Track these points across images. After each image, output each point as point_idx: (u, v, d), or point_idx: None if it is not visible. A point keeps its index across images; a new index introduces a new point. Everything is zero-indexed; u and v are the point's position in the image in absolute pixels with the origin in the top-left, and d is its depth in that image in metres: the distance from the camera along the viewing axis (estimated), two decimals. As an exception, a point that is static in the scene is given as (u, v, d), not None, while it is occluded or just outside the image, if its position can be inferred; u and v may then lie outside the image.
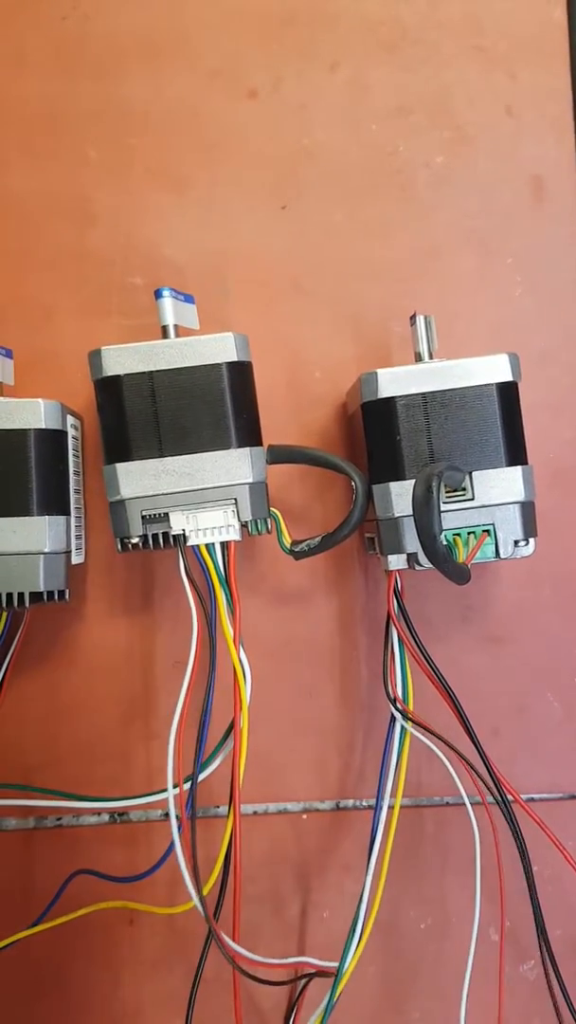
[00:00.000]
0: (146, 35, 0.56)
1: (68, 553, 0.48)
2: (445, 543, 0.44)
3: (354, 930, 0.46)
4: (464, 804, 0.47)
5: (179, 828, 0.44)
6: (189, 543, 0.46)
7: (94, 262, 0.55)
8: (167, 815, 0.45)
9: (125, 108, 0.56)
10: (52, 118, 0.56)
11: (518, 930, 0.50)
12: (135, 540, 0.46)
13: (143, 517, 0.46)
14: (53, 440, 0.47)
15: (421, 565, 0.46)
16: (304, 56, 0.56)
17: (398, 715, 0.48)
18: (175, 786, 0.45)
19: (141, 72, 0.56)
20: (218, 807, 0.53)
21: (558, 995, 0.49)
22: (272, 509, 0.48)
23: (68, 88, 0.56)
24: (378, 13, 0.57)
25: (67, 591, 0.47)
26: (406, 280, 0.56)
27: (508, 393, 0.47)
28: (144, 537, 0.46)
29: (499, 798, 0.48)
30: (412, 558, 0.47)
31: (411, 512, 0.40)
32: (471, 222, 0.56)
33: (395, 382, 0.47)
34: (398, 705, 0.47)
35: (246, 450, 0.46)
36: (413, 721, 0.47)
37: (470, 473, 0.46)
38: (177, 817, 0.44)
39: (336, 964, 0.46)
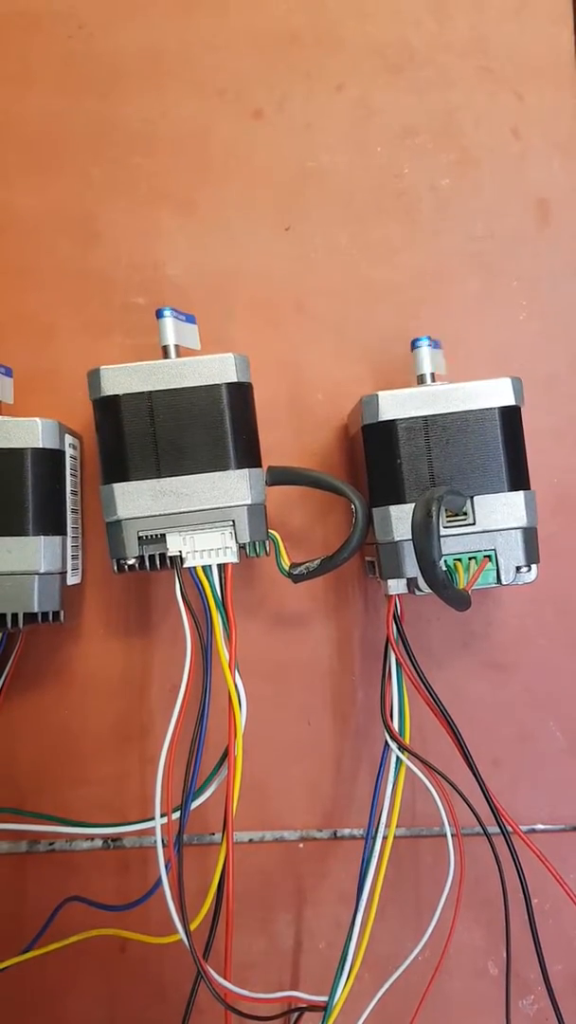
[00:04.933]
0: (151, 54, 0.56)
1: (64, 574, 0.47)
2: (445, 568, 0.43)
3: (343, 964, 0.45)
4: (458, 835, 0.46)
5: (167, 866, 0.44)
6: (186, 565, 0.45)
7: (96, 281, 0.55)
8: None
9: (129, 127, 0.56)
10: (56, 136, 0.56)
11: (517, 964, 0.49)
12: (131, 561, 0.45)
13: (140, 538, 0.45)
14: (50, 460, 0.47)
15: (421, 590, 0.46)
16: (310, 77, 0.56)
17: (392, 744, 0.47)
18: (163, 816, 0.44)
19: (146, 91, 0.56)
20: (213, 834, 0.52)
21: None
22: (271, 531, 0.47)
23: (72, 106, 0.56)
24: (385, 34, 0.57)
25: (62, 612, 0.47)
26: (410, 302, 0.55)
27: (510, 417, 0.46)
28: (141, 558, 0.45)
29: (499, 829, 0.47)
30: (412, 583, 0.46)
31: (411, 536, 0.39)
32: (476, 245, 0.56)
33: (396, 405, 0.46)
34: (392, 734, 0.47)
35: (245, 471, 0.45)
36: (407, 751, 0.46)
37: (471, 497, 0.45)
38: (165, 846, 0.44)
39: (326, 998, 0.45)
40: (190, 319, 0.49)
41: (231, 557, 0.46)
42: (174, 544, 0.45)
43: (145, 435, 0.45)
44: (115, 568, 0.46)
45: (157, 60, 0.56)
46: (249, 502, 0.45)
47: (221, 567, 0.46)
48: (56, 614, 0.46)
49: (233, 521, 0.46)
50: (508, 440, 0.46)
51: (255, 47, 0.56)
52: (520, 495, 0.46)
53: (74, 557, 0.49)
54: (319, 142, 0.56)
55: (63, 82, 0.56)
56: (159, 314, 0.48)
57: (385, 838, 0.46)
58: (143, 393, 0.45)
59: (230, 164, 0.56)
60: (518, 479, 0.46)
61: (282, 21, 0.57)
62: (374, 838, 0.46)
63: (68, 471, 0.48)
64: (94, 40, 0.56)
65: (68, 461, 0.48)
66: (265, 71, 0.56)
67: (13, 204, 0.55)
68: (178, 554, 0.45)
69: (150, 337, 0.50)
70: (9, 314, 0.54)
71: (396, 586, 0.47)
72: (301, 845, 0.53)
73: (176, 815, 0.45)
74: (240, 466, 0.45)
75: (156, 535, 0.45)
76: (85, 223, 0.55)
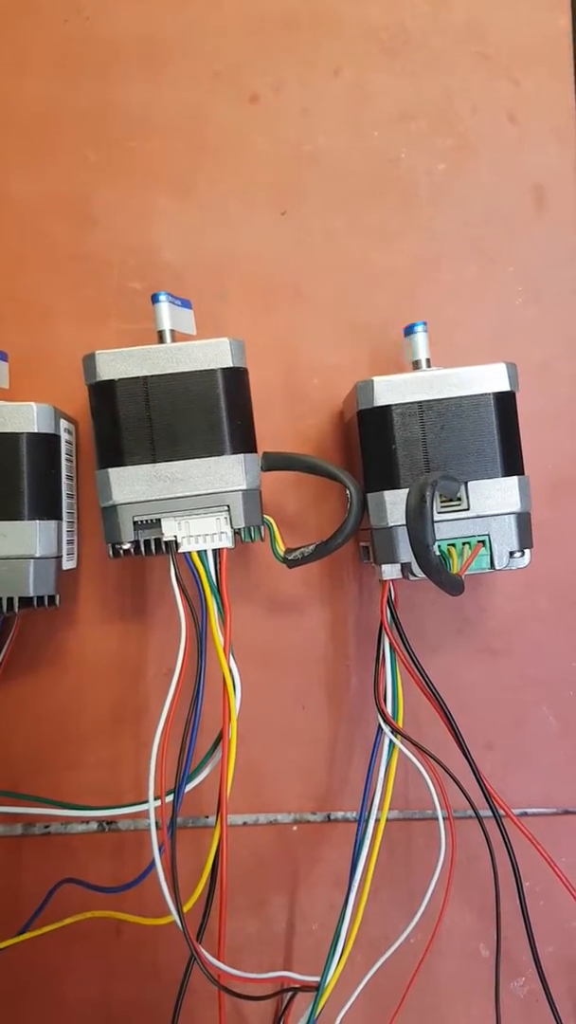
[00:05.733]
0: (148, 38, 0.56)
1: (59, 558, 0.47)
2: (438, 553, 0.43)
3: (335, 945, 0.46)
4: (450, 818, 0.47)
5: (160, 848, 0.44)
6: (181, 550, 0.46)
7: (92, 265, 0.55)
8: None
9: (126, 111, 0.56)
10: (52, 120, 0.55)
11: (508, 947, 0.49)
12: (127, 546, 0.46)
13: (135, 523, 0.45)
14: (45, 444, 0.47)
15: (415, 575, 0.46)
16: (306, 61, 0.56)
17: (385, 728, 0.47)
18: (157, 798, 0.44)
19: (142, 75, 0.56)
20: (207, 817, 0.52)
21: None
22: (266, 516, 0.47)
23: (69, 90, 0.56)
24: (381, 19, 0.56)
25: (57, 596, 0.47)
26: (406, 288, 0.55)
27: (505, 403, 0.46)
28: (136, 543, 0.46)
29: (491, 813, 0.47)
30: (406, 568, 0.46)
31: (405, 521, 0.39)
32: (472, 230, 0.56)
33: (391, 390, 0.46)
34: (385, 717, 0.47)
35: (240, 457, 0.46)
36: (400, 734, 0.47)
37: (466, 483, 0.46)
38: (158, 828, 0.44)
39: (318, 979, 0.45)
40: (186, 304, 0.49)
41: (226, 542, 0.46)
42: (169, 529, 0.46)
43: (140, 420, 0.45)
44: (110, 553, 0.46)
45: (154, 44, 0.56)
46: (244, 487, 0.46)
47: (216, 552, 0.46)
48: (51, 598, 0.46)
49: (228, 506, 0.46)
50: (503, 426, 0.46)
51: (252, 31, 0.56)
52: (514, 480, 0.46)
53: (69, 542, 0.49)
54: (316, 126, 0.56)
55: (60, 66, 0.56)
56: (155, 299, 0.48)
57: (378, 821, 0.47)
58: (138, 378, 0.45)
59: (226, 148, 0.56)
60: (512, 464, 0.46)
61: (278, 5, 0.56)
62: (367, 821, 0.47)
63: (63, 456, 0.48)
64: (91, 24, 0.56)
65: (63, 446, 0.48)
66: (261, 55, 0.56)
67: (9, 188, 0.55)
68: (173, 539, 0.46)
69: (146, 322, 0.50)
70: (5, 298, 0.54)
71: (390, 571, 0.47)
72: (295, 828, 0.53)
73: (170, 798, 0.45)
74: (235, 451, 0.46)
75: (151, 520, 0.46)
76: (81, 207, 0.55)
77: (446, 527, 0.46)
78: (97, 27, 0.56)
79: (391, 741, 0.47)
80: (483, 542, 0.46)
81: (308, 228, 0.56)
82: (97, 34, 0.56)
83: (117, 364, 0.46)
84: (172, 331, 0.48)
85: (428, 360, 0.49)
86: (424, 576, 0.41)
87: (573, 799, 0.54)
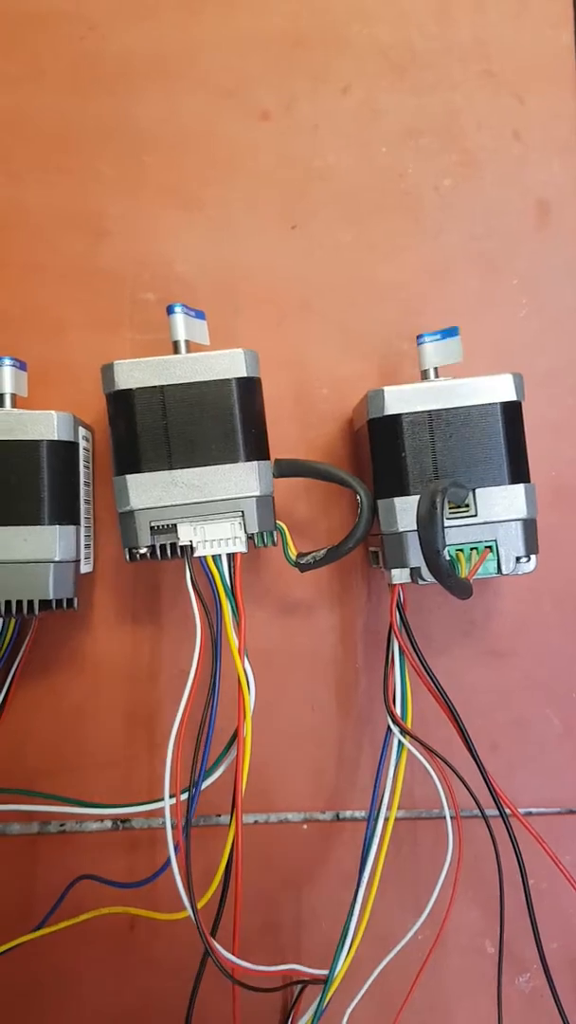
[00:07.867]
0: (161, 55, 0.57)
1: (77, 562, 0.48)
2: (448, 559, 0.44)
3: (344, 938, 0.47)
4: (457, 817, 0.48)
5: (175, 848, 0.45)
6: (196, 554, 0.47)
7: (107, 277, 0.56)
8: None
9: (139, 126, 0.57)
10: (67, 134, 0.57)
11: (513, 943, 0.50)
12: (143, 550, 0.47)
13: (151, 528, 0.47)
14: (65, 451, 0.48)
15: (424, 580, 0.47)
16: (316, 78, 0.58)
17: (394, 729, 0.48)
18: (172, 797, 0.45)
19: (155, 91, 0.57)
20: (219, 816, 0.54)
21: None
22: (278, 522, 0.48)
23: (83, 105, 0.57)
24: (389, 37, 0.58)
25: (75, 599, 0.48)
26: (413, 300, 0.57)
27: (512, 412, 0.48)
28: (152, 547, 0.47)
29: (498, 812, 0.48)
30: (415, 572, 0.47)
31: (415, 527, 0.40)
32: (478, 244, 0.57)
33: (401, 399, 0.47)
34: (395, 718, 0.48)
35: (254, 464, 0.47)
36: (409, 735, 0.48)
37: (473, 490, 0.47)
38: (174, 828, 0.45)
39: (327, 972, 0.47)
40: (200, 315, 0.50)
41: (240, 547, 0.47)
42: (185, 534, 0.47)
43: (157, 428, 0.47)
44: (127, 557, 0.47)
45: (167, 62, 0.57)
46: (258, 493, 0.47)
47: (230, 556, 0.47)
48: (70, 601, 0.48)
49: (242, 512, 0.47)
50: (509, 434, 0.47)
51: (263, 50, 0.58)
52: (520, 488, 0.47)
53: (87, 546, 0.51)
54: (325, 143, 0.57)
55: (74, 82, 0.57)
56: (170, 310, 0.49)
57: (386, 820, 0.48)
58: (156, 387, 0.47)
59: (237, 164, 0.57)
60: (519, 472, 0.47)
61: (289, 24, 0.58)
62: (376, 820, 0.48)
63: (82, 462, 0.49)
64: (105, 41, 0.57)
65: (81, 453, 0.49)
66: (273, 73, 0.57)
67: (24, 201, 0.56)
68: (189, 544, 0.47)
69: (159, 332, 0.51)
70: (22, 309, 0.55)
71: (399, 575, 0.48)
72: (304, 827, 0.54)
73: (184, 796, 0.46)
74: (249, 458, 0.47)
75: (167, 525, 0.47)
76: (95, 220, 0.56)
77: (454, 533, 0.47)
78: (111, 44, 0.57)
79: (400, 742, 0.48)
80: (490, 547, 0.47)
81: (317, 242, 0.57)
82: (111, 51, 0.57)
83: (135, 373, 0.47)
84: (187, 341, 0.49)
85: (436, 370, 0.50)
86: (433, 580, 0.42)
87: (576, 799, 0.55)
